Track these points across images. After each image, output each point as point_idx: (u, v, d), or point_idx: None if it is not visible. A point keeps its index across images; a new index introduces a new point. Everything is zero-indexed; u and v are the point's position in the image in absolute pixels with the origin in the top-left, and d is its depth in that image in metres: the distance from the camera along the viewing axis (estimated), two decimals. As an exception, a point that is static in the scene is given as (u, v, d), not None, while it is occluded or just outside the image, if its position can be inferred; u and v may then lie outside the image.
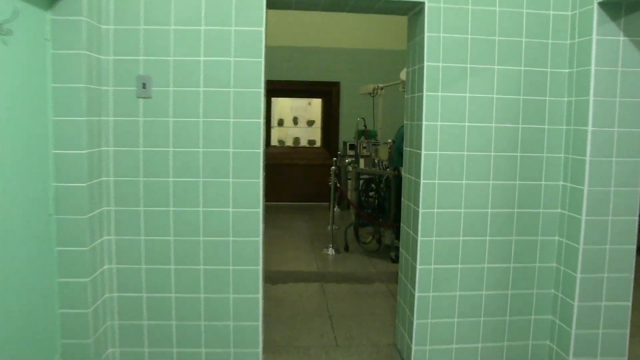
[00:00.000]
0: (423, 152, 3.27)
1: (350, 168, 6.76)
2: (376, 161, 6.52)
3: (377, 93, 7.67)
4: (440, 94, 3.23)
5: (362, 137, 6.72)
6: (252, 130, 3.19)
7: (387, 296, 5.08)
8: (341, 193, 6.66)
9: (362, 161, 7.68)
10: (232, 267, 3.29)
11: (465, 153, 3.28)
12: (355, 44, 10.30)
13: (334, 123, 10.40)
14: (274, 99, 11.67)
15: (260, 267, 3.31)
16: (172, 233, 3.22)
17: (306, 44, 10.23)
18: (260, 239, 3.29)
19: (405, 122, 3.71)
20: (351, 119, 10.18)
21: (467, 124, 3.26)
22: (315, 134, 10.93)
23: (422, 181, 3.29)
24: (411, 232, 3.49)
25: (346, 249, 6.79)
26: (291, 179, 10.44)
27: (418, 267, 3.34)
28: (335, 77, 10.32)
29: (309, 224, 8.60)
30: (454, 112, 3.25)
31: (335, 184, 6.66)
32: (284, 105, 13.81)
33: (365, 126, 6.80)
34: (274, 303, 4.80)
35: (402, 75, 6.81)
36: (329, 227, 7.04)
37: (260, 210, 3.28)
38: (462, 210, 3.33)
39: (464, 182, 3.30)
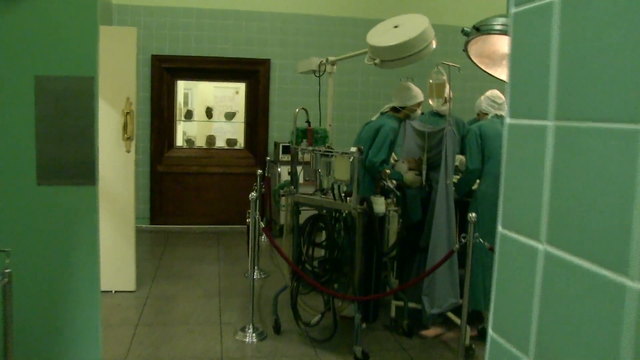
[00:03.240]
0: None
1: (283, 195, 3.98)
2: (327, 184, 3.77)
3: (324, 70, 4.93)
4: None
5: (305, 140, 3.95)
6: None
7: None
8: (267, 236, 3.89)
9: (300, 172, 4.89)
10: None
11: None
12: (291, 7, 7.50)
13: (262, 116, 7.57)
14: (186, 84, 8.76)
15: None
16: None
17: (222, 6, 7.35)
18: None
19: (506, 121, 0.93)
20: (287, 110, 7.39)
21: None
22: (237, 131, 8.07)
23: None
24: None
25: (277, 329, 4.02)
26: (202, 193, 7.54)
27: None
28: (263, 53, 7.50)
29: (222, 266, 5.76)
30: None
31: (257, 220, 3.86)
32: (204, 93, 10.86)
33: (308, 122, 4.05)
34: None
35: (372, 39, 4.09)
36: (248, 275, 4.17)
37: None
38: None
39: None
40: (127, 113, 4.58)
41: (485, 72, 4.82)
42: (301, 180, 4.10)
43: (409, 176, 4.22)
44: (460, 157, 4.37)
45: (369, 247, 3.60)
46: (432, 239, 3.88)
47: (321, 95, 5.03)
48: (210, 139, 7.77)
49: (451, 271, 3.88)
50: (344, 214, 3.65)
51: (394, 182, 3.60)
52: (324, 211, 3.74)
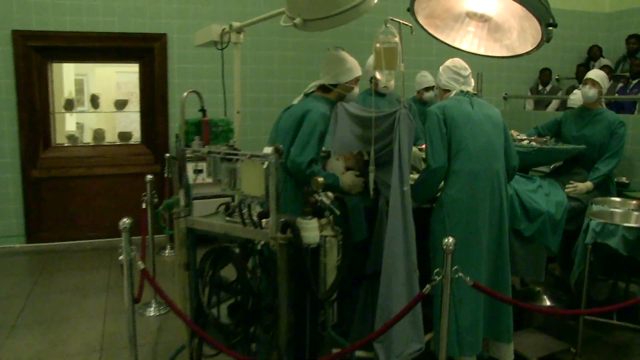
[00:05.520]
0: None
1: (167, 216, 2.75)
2: (235, 199, 2.58)
3: (229, 41, 3.72)
4: None
5: (199, 137, 2.72)
6: None
7: None
8: (148, 280, 2.66)
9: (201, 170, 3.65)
10: None
11: None
12: (189, -32, 6.19)
13: (160, 103, 6.23)
14: (77, 69, 7.31)
15: None
16: None
17: (102, -32, 5.93)
18: None
19: None
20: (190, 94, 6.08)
21: None
22: (132, 123, 6.70)
23: None
24: None
25: (175, 404, 2.83)
26: (91, 200, 6.15)
27: None
28: (158, 26, 6.14)
29: (112, 298, 4.45)
30: None
31: (132, 255, 2.62)
32: (107, 79, 9.30)
33: (203, 110, 2.84)
34: None
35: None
36: (144, 311, 2.95)
37: None
38: None
39: None
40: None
41: (435, 37, 3.77)
42: (204, 177, 2.88)
43: (347, 178, 3.10)
44: (414, 151, 3.30)
45: (299, 291, 2.46)
46: (385, 266, 2.79)
47: (225, 75, 3.81)
48: (98, 134, 6.35)
49: (410, 297, 2.81)
50: (259, 248, 2.48)
51: (330, 194, 2.45)
52: (234, 242, 2.56)
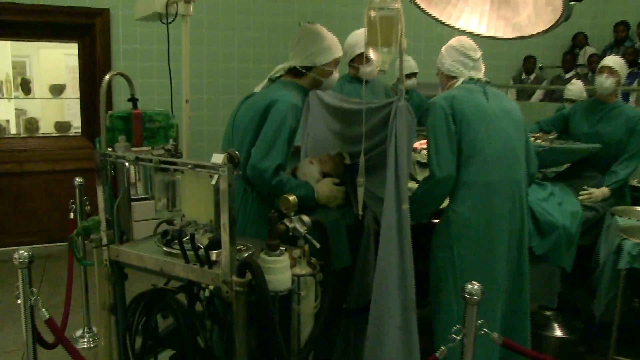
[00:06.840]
0: None
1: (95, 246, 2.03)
2: (178, 222, 1.88)
3: (176, 13, 2.99)
4: None
5: (127, 136, 2.01)
6: None
7: None
8: (60, 341, 1.95)
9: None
10: None
11: None
12: None
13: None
14: (17, 49, 6.56)
15: None
16: None
17: None
18: None
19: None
20: (136, 81, 5.27)
21: None
22: (70, 111, 5.90)
23: None
24: None
25: None
26: (20, 201, 5.33)
27: None
28: (99, 1, 5.32)
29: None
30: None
31: (33, 300, 1.91)
32: (55, 62, 8.34)
33: (133, 100, 2.13)
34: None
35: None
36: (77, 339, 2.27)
37: None
38: None
39: None
40: None
41: (426, 13, 3.11)
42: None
43: (324, 188, 2.42)
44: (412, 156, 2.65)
45: (264, 350, 1.78)
46: (375, 305, 2.14)
47: (172, 57, 3.08)
48: (31, 124, 5.52)
49: (407, 343, 2.16)
50: (206, 291, 1.79)
51: (307, 219, 1.78)
52: (174, 285, 1.86)
